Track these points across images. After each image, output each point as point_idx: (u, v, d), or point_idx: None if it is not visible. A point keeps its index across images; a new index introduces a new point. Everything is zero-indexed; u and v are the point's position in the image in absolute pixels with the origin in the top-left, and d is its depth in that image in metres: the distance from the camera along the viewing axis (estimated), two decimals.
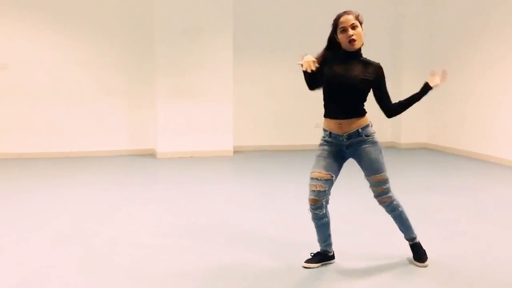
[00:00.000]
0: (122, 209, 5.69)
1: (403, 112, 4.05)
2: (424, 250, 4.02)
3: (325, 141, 3.78)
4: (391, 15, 10.58)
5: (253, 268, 3.92)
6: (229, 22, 9.30)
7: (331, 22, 3.78)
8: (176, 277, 3.74)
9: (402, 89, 10.44)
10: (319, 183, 3.68)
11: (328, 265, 3.95)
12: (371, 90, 3.81)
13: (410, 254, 4.13)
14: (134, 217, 5.38)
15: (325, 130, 3.80)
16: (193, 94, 9.24)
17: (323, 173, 3.69)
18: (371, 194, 3.85)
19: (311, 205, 3.71)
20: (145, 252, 4.24)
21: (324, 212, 3.75)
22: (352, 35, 3.65)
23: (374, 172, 3.76)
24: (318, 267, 3.90)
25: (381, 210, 5.53)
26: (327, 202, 3.76)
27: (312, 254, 3.97)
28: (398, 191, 6.47)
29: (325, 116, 3.80)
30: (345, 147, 3.75)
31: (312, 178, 3.71)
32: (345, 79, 3.68)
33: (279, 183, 7.08)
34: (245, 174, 7.92)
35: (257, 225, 5.08)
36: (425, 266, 3.94)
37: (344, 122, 3.71)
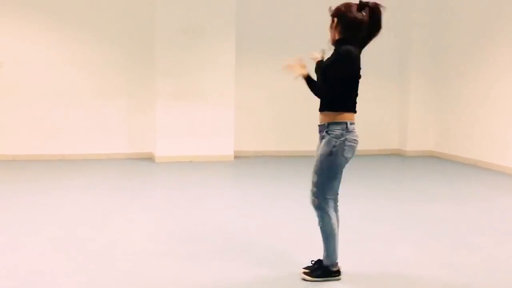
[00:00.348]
0: (119, 214, 5.71)
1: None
2: (322, 273, 3.88)
3: None
4: (399, 19, 10.60)
5: (254, 276, 3.95)
6: (231, 22, 9.32)
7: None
8: (174, 285, 3.77)
9: (410, 95, 10.51)
10: None
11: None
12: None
13: (410, 262, 4.15)
14: (131, 223, 5.40)
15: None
16: (193, 97, 9.27)
17: None
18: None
19: None
20: (143, 259, 4.27)
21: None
22: None
23: (313, 171, 3.79)
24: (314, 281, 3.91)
25: (387, 220, 5.57)
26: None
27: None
28: (403, 200, 6.55)
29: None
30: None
31: None
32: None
33: (280, 190, 7.10)
34: (246, 180, 7.94)
35: (257, 232, 5.10)
36: (303, 278, 3.89)
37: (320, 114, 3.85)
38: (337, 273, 3.91)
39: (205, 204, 6.26)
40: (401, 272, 4.11)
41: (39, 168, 8.36)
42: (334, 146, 3.66)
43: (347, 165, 3.80)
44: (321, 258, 3.96)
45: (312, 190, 3.78)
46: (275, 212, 5.92)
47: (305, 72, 3.88)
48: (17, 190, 6.82)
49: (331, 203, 3.78)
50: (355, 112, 3.82)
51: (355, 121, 3.85)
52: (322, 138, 3.78)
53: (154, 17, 9.16)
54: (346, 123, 3.70)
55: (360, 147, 3.84)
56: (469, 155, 9.48)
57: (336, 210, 3.85)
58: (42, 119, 9.12)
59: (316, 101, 3.90)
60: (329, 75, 3.73)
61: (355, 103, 3.85)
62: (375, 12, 3.78)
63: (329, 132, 3.71)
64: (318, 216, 3.80)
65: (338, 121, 3.70)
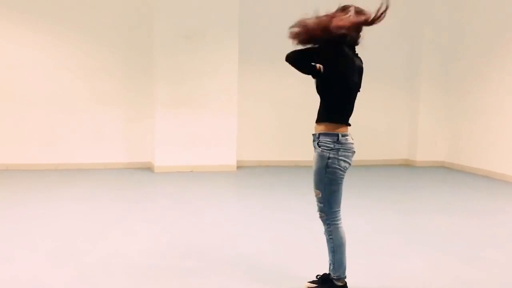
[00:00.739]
0: (116, 226, 5.71)
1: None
2: (329, 285, 3.91)
3: None
4: (410, 28, 10.64)
5: None
6: (234, 27, 9.37)
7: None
8: None
9: (419, 104, 10.52)
10: None
11: None
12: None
13: (420, 277, 4.13)
14: (129, 235, 5.40)
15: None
16: (194, 104, 9.29)
17: None
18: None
19: None
20: (141, 273, 4.26)
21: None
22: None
23: (314, 186, 3.80)
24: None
25: (397, 232, 5.56)
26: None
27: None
28: (413, 212, 6.54)
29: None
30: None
31: None
32: None
33: (284, 202, 7.10)
34: (248, 191, 7.94)
35: (261, 246, 5.10)
36: None
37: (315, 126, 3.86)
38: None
39: (206, 216, 6.26)
40: (410, 287, 4.10)
41: (33, 178, 8.37)
42: (328, 158, 3.67)
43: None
44: (327, 272, 3.96)
45: (318, 206, 3.80)
46: (279, 224, 5.91)
47: None
48: (11, 201, 6.82)
49: (339, 215, 3.81)
50: (348, 124, 3.81)
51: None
52: (314, 148, 3.80)
53: (154, 21, 9.20)
54: (338, 135, 3.70)
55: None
56: (482, 166, 9.48)
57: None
58: (37, 126, 9.15)
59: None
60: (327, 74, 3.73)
61: (349, 115, 3.84)
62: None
63: (320, 144, 3.72)
64: (327, 230, 3.82)
65: (330, 132, 3.71)
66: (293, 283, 4.10)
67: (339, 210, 3.81)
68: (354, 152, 3.80)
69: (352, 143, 3.78)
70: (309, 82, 3.85)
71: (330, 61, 3.67)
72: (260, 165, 10.02)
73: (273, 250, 4.98)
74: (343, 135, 3.72)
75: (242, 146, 9.80)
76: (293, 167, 9.90)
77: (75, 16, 9.22)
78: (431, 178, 9.36)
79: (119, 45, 9.41)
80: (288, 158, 10.16)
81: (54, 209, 6.43)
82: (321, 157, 3.70)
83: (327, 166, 3.67)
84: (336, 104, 3.76)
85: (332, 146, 3.68)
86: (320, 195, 3.75)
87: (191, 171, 9.23)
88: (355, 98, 3.84)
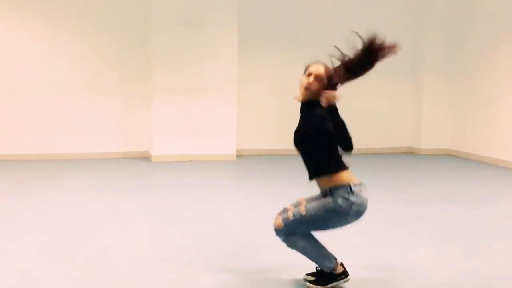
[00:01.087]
0: (114, 218, 5.71)
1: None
2: (328, 279, 3.87)
3: None
4: (414, 15, 10.60)
5: (257, 283, 3.95)
6: (234, 12, 9.32)
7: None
8: None
9: (424, 92, 10.50)
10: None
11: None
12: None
13: (425, 268, 4.13)
14: (127, 227, 5.40)
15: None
16: (193, 92, 9.26)
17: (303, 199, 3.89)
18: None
19: None
20: (139, 266, 4.26)
21: None
22: (310, 83, 3.73)
23: (307, 203, 3.76)
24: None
25: (401, 222, 5.56)
26: None
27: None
28: (417, 202, 6.54)
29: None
30: None
31: None
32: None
33: (285, 191, 7.08)
34: (248, 180, 7.93)
35: (261, 237, 5.09)
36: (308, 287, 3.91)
37: (316, 181, 3.81)
38: (343, 275, 3.88)
39: (205, 206, 6.26)
40: (415, 278, 4.10)
41: (28, 169, 8.37)
42: (340, 206, 3.59)
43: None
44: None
45: (287, 216, 3.73)
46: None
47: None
48: (5, 192, 6.82)
49: (293, 234, 3.77)
50: (347, 168, 3.73)
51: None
52: (324, 195, 3.74)
53: (151, 8, 9.15)
54: (350, 186, 3.62)
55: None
56: (488, 153, 9.46)
57: None
58: (32, 116, 9.12)
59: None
60: (306, 138, 3.74)
61: (342, 160, 3.76)
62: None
63: (333, 193, 3.64)
64: (283, 241, 3.81)
65: (339, 184, 3.63)
66: (293, 274, 4.10)
67: (297, 234, 3.76)
68: (365, 207, 3.69)
69: (365, 197, 3.68)
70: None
71: None
72: (260, 154, 10.01)
73: (272, 241, 4.97)
74: (354, 185, 3.64)
75: (242, 135, 9.78)
76: (294, 156, 9.84)
77: (71, 4, 9.17)
78: (436, 166, 9.35)
79: (116, 32, 9.36)
80: (289, 147, 10.06)
81: (50, 200, 6.42)
82: (334, 201, 3.60)
83: (335, 210, 3.60)
84: (327, 154, 3.74)
85: (348, 198, 3.59)
86: (302, 212, 3.67)
87: (190, 160, 9.22)
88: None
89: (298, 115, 3.88)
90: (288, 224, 3.71)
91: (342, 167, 3.70)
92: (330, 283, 3.85)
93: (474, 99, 9.90)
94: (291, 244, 3.79)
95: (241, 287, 3.91)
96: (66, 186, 7.21)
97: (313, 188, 3.96)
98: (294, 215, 3.71)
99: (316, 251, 3.80)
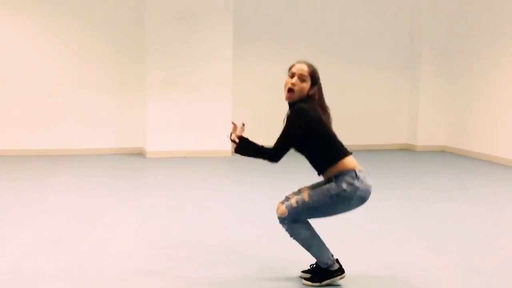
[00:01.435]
0: (108, 214, 5.68)
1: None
2: (323, 276, 3.86)
3: None
4: (410, 12, 10.60)
5: (253, 281, 3.93)
6: (229, 9, 9.28)
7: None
8: None
9: (420, 88, 10.50)
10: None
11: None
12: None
13: (422, 265, 4.12)
14: (121, 224, 5.38)
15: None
16: (188, 89, 9.24)
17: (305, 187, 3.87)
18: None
19: None
20: (133, 262, 4.24)
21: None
22: (294, 84, 3.69)
23: (310, 190, 3.75)
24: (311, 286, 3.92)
25: (398, 219, 5.56)
26: None
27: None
28: (414, 199, 6.53)
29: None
30: None
31: None
32: None
33: (281, 188, 7.04)
34: (243, 177, 7.92)
35: (257, 234, 5.09)
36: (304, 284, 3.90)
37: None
38: (339, 271, 3.86)
39: (201, 203, 6.24)
40: (412, 275, 4.09)
41: (22, 165, 8.33)
42: (344, 191, 3.59)
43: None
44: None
45: (291, 202, 3.72)
46: (274, 211, 5.88)
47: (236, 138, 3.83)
48: None
49: (298, 222, 3.74)
50: (351, 153, 3.73)
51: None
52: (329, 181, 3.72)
53: (145, 3, 9.11)
54: (355, 172, 3.63)
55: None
56: (485, 150, 9.47)
57: None
58: (24, 111, 9.08)
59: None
60: (300, 138, 3.71)
61: (343, 147, 3.75)
62: None
63: (338, 178, 3.64)
64: (286, 230, 3.77)
65: (344, 170, 3.64)
66: (288, 272, 4.09)
67: (301, 222, 3.75)
68: (370, 193, 3.70)
69: (370, 183, 3.70)
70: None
71: None
72: None
73: (269, 238, 4.96)
74: (360, 171, 3.66)
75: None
76: (290, 153, 9.85)
77: (65, 0, 9.10)
78: (432, 163, 9.35)
79: (109, 28, 9.32)
80: None
81: (43, 196, 6.39)
82: (338, 186, 3.61)
83: (338, 195, 3.60)
84: (326, 146, 3.73)
85: (352, 182, 3.60)
86: (305, 199, 3.67)
87: (185, 157, 9.20)
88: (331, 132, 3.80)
89: None
90: (292, 211, 3.69)
91: (346, 153, 3.70)
92: (326, 279, 3.84)
93: (470, 96, 9.90)
94: (294, 233, 3.75)
95: (236, 283, 3.89)
96: (60, 182, 7.18)
97: (307, 182, 3.94)
98: (297, 202, 3.69)
99: (316, 244, 3.77)
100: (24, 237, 4.85)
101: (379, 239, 4.98)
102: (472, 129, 9.86)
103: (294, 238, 3.78)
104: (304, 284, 3.88)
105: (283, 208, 3.75)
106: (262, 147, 3.81)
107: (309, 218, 3.76)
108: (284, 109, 3.90)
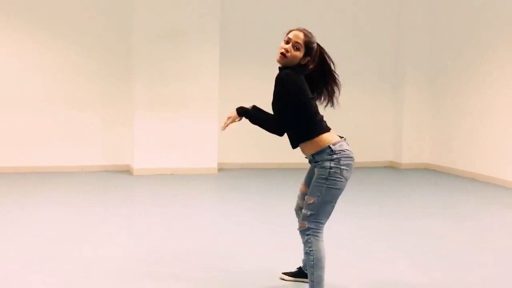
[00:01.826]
0: (94, 231, 5.67)
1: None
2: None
3: None
4: (394, 29, 10.72)
5: None
6: (215, 28, 9.34)
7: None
8: None
9: (404, 106, 10.60)
10: (298, 194, 3.99)
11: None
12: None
13: (407, 282, 4.15)
14: (107, 241, 5.36)
15: None
16: (174, 106, 9.24)
17: (302, 186, 3.97)
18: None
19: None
20: (120, 280, 4.24)
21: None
22: (287, 50, 3.71)
23: (308, 193, 3.76)
24: (292, 280, 4.20)
25: (382, 236, 5.59)
26: None
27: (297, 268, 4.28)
28: (399, 216, 6.58)
29: None
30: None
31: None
32: None
33: (267, 205, 7.10)
34: (230, 194, 7.93)
35: (243, 251, 5.09)
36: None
37: (300, 148, 3.80)
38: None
39: (187, 220, 6.24)
40: None
41: (7, 182, 8.28)
42: (331, 168, 3.60)
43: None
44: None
45: (303, 214, 3.71)
46: (261, 229, 5.91)
47: (236, 115, 3.99)
48: None
49: (321, 229, 3.72)
50: (329, 130, 3.75)
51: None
52: (314, 167, 3.76)
53: (132, 21, 9.14)
54: (330, 147, 3.63)
55: (355, 159, 3.80)
56: (468, 168, 9.55)
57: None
58: (12, 129, 9.03)
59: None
60: (281, 105, 3.70)
61: (323, 121, 3.77)
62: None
63: (318, 162, 3.66)
64: (306, 242, 3.71)
65: (321, 148, 3.65)
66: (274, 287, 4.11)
67: (324, 225, 3.73)
68: (353, 159, 3.72)
69: (349, 150, 3.71)
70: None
71: None
72: (241, 168, 10.01)
73: (256, 255, 4.98)
74: (334, 143, 3.65)
75: (224, 149, 9.78)
76: (276, 170, 9.91)
77: (50, 16, 9.10)
78: (416, 180, 9.42)
79: (96, 46, 9.31)
80: (270, 161, 10.15)
81: (30, 214, 6.36)
82: (322, 167, 3.64)
83: (329, 174, 3.60)
84: (306, 118, 3.73)
85: (331, 158, 3.62)
86: (312, 202, 3.65)
87: (172, 174, 9.19)
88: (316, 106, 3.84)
89: None
90: (310, 218, 3.68)
91: (323, 130, 3.71)
92: (297, 277, 4.17)
93: (453, 116, 10.00)
94: (315, 247, 3.68)
95: None
96: (46, 199, 7.15)
97: (293, 200, 3.97)
98: (308, 209, 3.68)
99: (322, 271, 3.70)
100: (11, 255, 4.83)
101: (363, 255, 5.01)
102: (455, 147, 9.95)
103: (311, 251, 3.69)
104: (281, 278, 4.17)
105: (301, 222, 3.75)
106: (262, 117, 3.86)
107: (329, 213, 3.71)
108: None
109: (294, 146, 3.79)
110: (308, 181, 3.87)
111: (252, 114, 3.88)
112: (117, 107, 9.45)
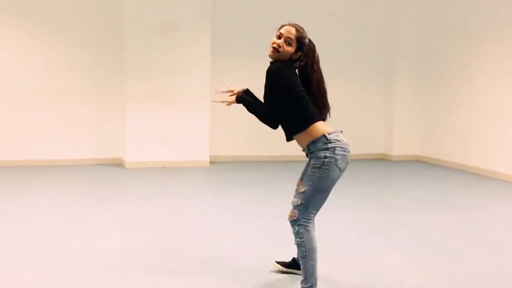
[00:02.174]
0: (86, 225, 5.65)
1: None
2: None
3: None
4: (385, 23, 10.72)
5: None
6: (207, 21, 9.32)
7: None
8: None
9: (395, 98, 10.62)
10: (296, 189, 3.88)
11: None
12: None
13: (398, 274, 4.16)
14: (99, 234, 5.35)
15: None
16: (166, 100, 9.23)
17: (298, 181, 3.88)
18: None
19: None
20: (112, 273, 4.23)
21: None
22: (279, 45, 3.71)
23: (301, 183, 3.76)
24: (284, 271, 4.20)
25: (374, 228, 5.60)
26: None
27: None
28: (390, 208, 6.59)
29: None
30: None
31: None
32: None
33: (259, 197, 7.10)
34: (222, 187, 7.93)
35: (235, 243, 5.09)
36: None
37: (296, 141, 3.81)
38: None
39: (179, 213, 6.23)
40: (389, 283, 4.13)
41: (1, 175, 8.24)
42: (325, 157, 3.59)
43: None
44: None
45: (294, 204, 3.71)
46: (253, 221, 5.91)
47: (237, 93, 3.96)
48: None
49: (312, 219, 3.71)
50: (324, 119, 3.76)
51: (339, 127, 3.82)
52: (310, 159, 3.75)
53: (123, 15, 9.11)
54: (325, 136, 3.63)
55: None
56: (458, 160, 9.59)
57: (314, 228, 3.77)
58: (2, 122, 8.98)
59: None
60: (273, 97, 3.69)
61: (315, 112, 3.76)
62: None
63: (314, 152, 3.65)
64: (297, 233, 3.70)
65: (315, 137, 3.64)
66: (267, 281, 4.10)
67: (314, 215, 3.72)
68: (348, 151, 3.71)
69: (344, 142, 3.71)
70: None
71: None
72: (233, 161, 10.01)
73: (248, 247, 4.97)
74: (329, 133, 3.65)
75: (216, 142, 9.77)
76: (268, 162, 9.91)
77: (42, 10, 9.04)
78: (407, 172, 9.44)
79: (88, 40, 9.27)
80: (262, 153, 10.15)
81: (22, 207, 6.33)
82: (317, 157, 3.63)
83: (323, 163, 3.59)
84: (299, 109, 3.73)
85: (326, 147, 3.61)
86: (303, 191, 3.64)
87: (164, 167, 9.18)
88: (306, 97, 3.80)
89: None
90: (300, 208, 3.67)
91: (317, 119, 3.71)
92: (291, 268, 4.17)
93: (444, 108, 10.03)
94: (306, 237, 3.66)
95: None
96: (39, 193, 7.12)
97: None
98: (299, 198, 3.68)
99: (314, 261, 3.69)
100: (4, 249, 4.81)
101: (355, 248, 5.02)
102: (446, 139, 9.98)
103: (302, 242, 3.68)
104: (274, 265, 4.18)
105: (291, 211, 3.73)
106: (255, 106, 3.87)
107: (319, 204, 3.70)
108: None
109: (288, 138, 3.79)
110: (302, 175, 3.87)
111: (249, 104, 3.88)
112: (109, 101, 9.42)
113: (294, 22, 3.85)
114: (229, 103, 4.00)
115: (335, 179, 3.65)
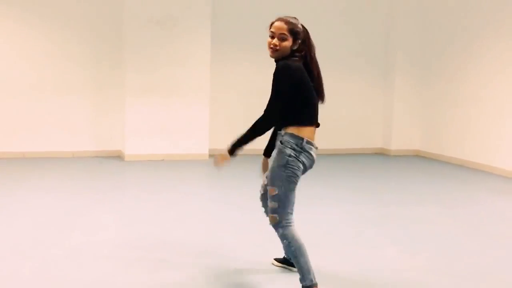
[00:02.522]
0: (84, 217, 5.64)
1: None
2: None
3: None
4: (385, 17, 10.68)
5: (230, 283, 3.93)
6: (207, 14, 9.28)
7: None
8: None
9: (394, 93, 10.59)
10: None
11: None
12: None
13: (396, 268, 4.15)
14: (98, 226, 5.34)
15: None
16: (166, 93, 9.20)
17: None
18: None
19: None
20: (110, 266, 4.22)
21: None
22: (275, 44, 3.67)
23: (268, 183, 3.74)
24: (280, 266, 4.24)
25: (372, 223, 5.59)
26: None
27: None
28: (388, 202, 6.58)
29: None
30: None
31: None
32: None
33: (256, 191, 7.07)
34: (220, 180, 7.90)
35: (234, 237, 5.09)
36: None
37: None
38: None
39: (177, 206, 6.22)
40: (387, 277, 4.12)
41: None
42: (289, 156, 3.59)
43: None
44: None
45: (271, 208, 3.69)
46: (252, 215, 5.88)
47: (227, 157, 3.93)
48: None
49: (292, 218, 3.71)
50: (315, 125, 3.73)
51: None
52: (275, 145, 3.74)
53: (123, 7, 9.06)
54: (303, 140, 3.61)
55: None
56: (456, 155, 9.58)
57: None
58: (1, 114, 8.95)
59: None
60: (280, 98, 3.68)
61: (314, 116, 3.75)
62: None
63: (283, 141, 3.64)
64: (281, 235, 3.71)
65: (296, 134, 3.62)
66: (265, 274, 4.10)
67: (292, 213, 3.71)
68: (313, 161, 3.70)
69: (313, 156, 3.68)
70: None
71: None
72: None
73: (247, 240, 4.97)
74: (308, 142, 3.63)
75: (215, 135, 9.74)
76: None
77: (40, 2, 8.99)
78: (406, 167, 9.43)
79: (88, 32, 9.23)
80: (261, 147, 10.11)
81: (20, 199, 6.32)
82: (281, 152, 3.62)
83: (287, 162, 3.59)
84: (295, 107, 3.72)
85: (295, 147, 3.61)
86: (276, 193, 3.63)
87: (163, 160, 9.16)
88: (313, 98, 3.80)
89: None
90: (278, 211, 3.66)
91: (312, 122, 3.71)
92: (285, 264, 4.18)
93: (443, 103, 10.01)
94: (291, 238, 3.67)
95: (215, 285, 3.89)
96: (37, 185, 7.11)
97: None
98: (273, 202, 3.66)
99: (305, 258, 3.67)
100: (1, 241, 4.80)
101: (353, 242, 5.01)
102: (445, 134, 9.97)
103: (289, 243, 3.69)
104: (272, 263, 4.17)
105: (270, 216, 3.72)
106: (247, 131, 3.82)
107: (293, 201, 3.70)
108: (261, 113, 3.84)
109: (279, 128, 3.74)
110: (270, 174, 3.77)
111: (242, 137, 3.85)
112: (109, 93, 9.39)
113: (282, 15, 3.81)
114: (226, 160, 4.01)
115: (301, 171, 3.65)
